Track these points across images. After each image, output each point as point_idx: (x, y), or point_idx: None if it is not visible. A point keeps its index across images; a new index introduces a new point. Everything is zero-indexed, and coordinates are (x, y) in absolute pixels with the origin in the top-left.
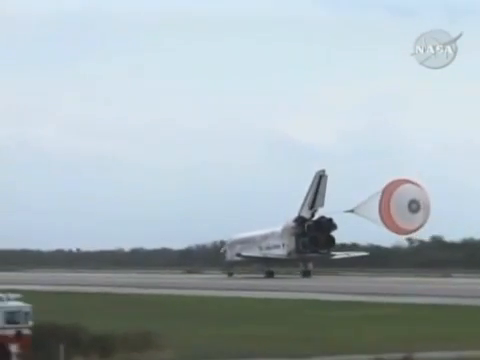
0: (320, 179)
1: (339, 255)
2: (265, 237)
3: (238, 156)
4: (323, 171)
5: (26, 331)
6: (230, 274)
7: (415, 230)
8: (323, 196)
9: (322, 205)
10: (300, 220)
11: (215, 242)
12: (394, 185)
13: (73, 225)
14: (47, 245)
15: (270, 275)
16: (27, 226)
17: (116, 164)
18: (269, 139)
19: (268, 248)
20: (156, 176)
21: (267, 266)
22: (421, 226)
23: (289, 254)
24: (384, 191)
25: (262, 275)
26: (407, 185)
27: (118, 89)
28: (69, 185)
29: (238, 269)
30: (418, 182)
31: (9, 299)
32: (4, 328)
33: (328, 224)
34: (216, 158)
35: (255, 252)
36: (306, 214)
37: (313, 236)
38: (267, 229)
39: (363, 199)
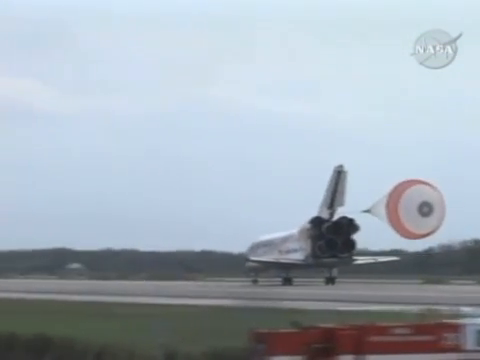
0: (339, 175)
1: (364, 260)
2: (284, 240)
3: None
4: (341, 166)
5: None
6: (254, 281)
7: (427, 235)
8: (343, 194)
9: (342, 204)
10: (317, 221)
11: None
12: (403, 186)
13: None
14: None
15: (288, 282)
16: None
17: None
18: None
19: (287, 252)
20: None
21: (285, 272)
22: (434, 231)
23: (306, 259)
24: (392, 193)
25: (279, 282)
26: (418, 186)
27: None
28: None
29: (263, 275)
30: (431, 182)
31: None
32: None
33: (348, 225)
34: None
35: (274, 256)
36: (324, 214)
37: (330, 239)
38: (286, 231)
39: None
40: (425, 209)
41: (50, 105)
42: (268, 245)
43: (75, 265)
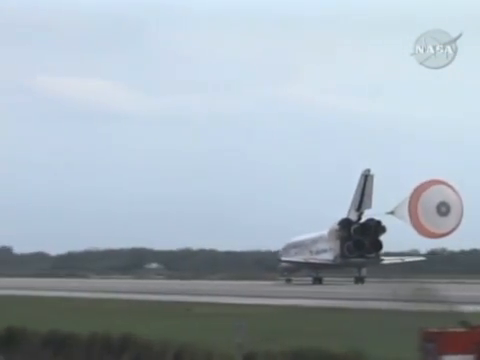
0: (366, 179)
1: (391, 260)
2: (315, 241)
3: None
4: (368, 170)
5: None
6: (288, 280)
7: (446, 234)
8: (370, 197)
9: (369, 207)
10: (345, 223)
11: None
12: (423, 186)
13: None
14: None
15: (318, 281)
16: None
17: None
18: None
19: (317, 252)
20: None
21: (315, 272)
22: (453, 230)
23: (335, 259)
24: (413, 193)
25: (310, 281)
26: (438, 186)
27: None
28: None
29: (297, 274)
30: (450, 183)
31: None
32: None
33: (375, 227)
34: None
35: (305, 256)
36: (353, 216)
37: (358, 240)
38: (317, 232)
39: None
40: (443, 209)
41: (126, 105)
42: (300, 246)
43: (153, 265)
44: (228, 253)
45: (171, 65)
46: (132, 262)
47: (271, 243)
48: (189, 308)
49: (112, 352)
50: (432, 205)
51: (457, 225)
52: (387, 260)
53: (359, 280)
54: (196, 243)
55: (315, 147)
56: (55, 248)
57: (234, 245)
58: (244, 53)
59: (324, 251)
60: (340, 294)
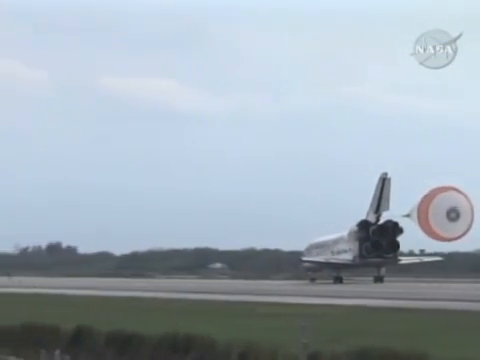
0: (383, 182)
1: (409, 260)
2: (336, 242)
3: None
4: (386, 174)
5: None
6: (312, 279)
7: (456, 239)
8: (387, 200)
9: (387, 209)
10: (364, 224)
11: None
12: (435, 192)
13: None
14: None
15: (338, 280)
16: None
17: None
18: None
19: (338, 253)
20: None
21: (336, 271)
22: (463, 235)
23: (354, 259)
24: (424, 198)
25: (331, 281)
26: (449, 192)
27: None
28: None
29: (322, 274)
30: (462, 190)
31: None
32: None
33: (393, 228)
34: None
35: (327, 256)
36: (371, 218)
37: (376, 241)
38: (338, 233)
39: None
40: (452, 214)
41: (192, 105)
42: (321, 246)
43: (217, 265)
44: (292, 253)
45: (236, 64)
46: (196, 262)
47: None
48: (253, 308)
49: (177, 352)
50: (442, 210)
51: (467, 230)
52: (405, 260)
53: (378, 279)
54: (260, 243)
55: (381, 145)
56: (119, 248)
57: (298, 245)
58: (309, 52)
59: (344, 251)
60: (403, 294)
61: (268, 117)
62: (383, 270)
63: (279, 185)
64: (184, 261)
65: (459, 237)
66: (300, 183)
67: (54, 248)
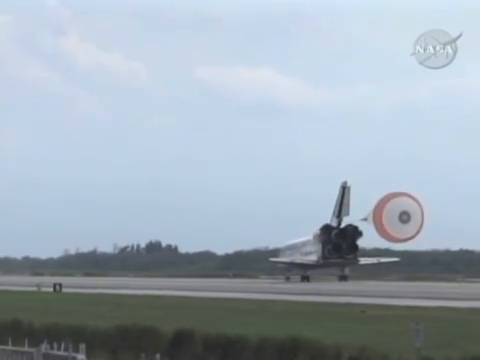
0: (344, 190)
1: (367, 261)
2: (304, 244)
3: None
4: (345, 182)
5: None
6: (287, 278)
7: (406, 240)
8: (347, 206)
9: (347, 214)
10: (326, 228)
11: None
12: (389, 196)
13: None
14: None
15: (306, 279)
16: None
17: None
18: None
19: (306, 254)
20: None
21: (303, 271)
22: (413, 237)
23: (318, 260)
24: (379, 202)
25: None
26: (402, 198)
27: None
28: None
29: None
30: (415, 196)
31: None
32: None
33: (353, 232)
34: None
35: (297, 257)
36: (334, 222)
37: (336, 243)
38: (306, 236)
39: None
40: (404, 217)
41: (295, 98)
42: (293, 248)
43: None
44: (404, 253)
45: (343, 57)
46: None
47: (451, 242)
48: (363, 310)
49: (283, 356)
50: (395, 213)
51: (417, 233)
52: (364, 261)
53: (342, 278)
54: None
55: None
56: (222, 247)
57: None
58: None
59: (310, 253)
60: None
61: (376, 110)
62: (347, 270)
63: (391, 180)
64: None
65: (411, 238)
66: (417, 181)
67: (154, 247)
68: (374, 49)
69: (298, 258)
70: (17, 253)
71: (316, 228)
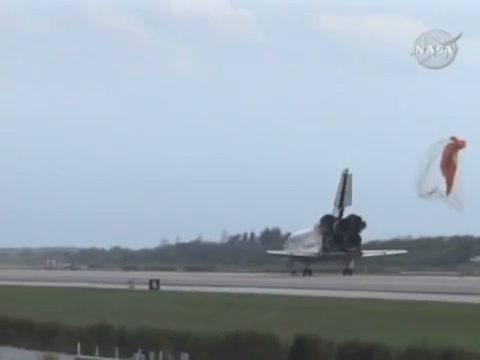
0: (345, 178)
1: (372, 253)
2: (306, 235)
3: None
4: (347, 170)
5: None
6: (293, 272)
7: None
8: (350, 195)
9: (350, 204)
10: (327, 219)
11: None
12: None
13: None
14: None
15: (308, 273)
16: None
17: None
18: None
19: (308, 246)
20: None
21: (305, 264)
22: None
23: (319, 252)
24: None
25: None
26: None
27: None
28: None
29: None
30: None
31: None
32: None
33: (355, 222)
34: None
35: (299, 250)
36: (335, 213)
37: (337, 235)
38: (308, 228)
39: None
40: None
41: None
42: (296, 240)
43: None
44: None
45: None
46: (455, 254)
47: None
48: None
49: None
50: None
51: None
52: (368, 253)
53: (347, 272)
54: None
55: None
56: None
57: None
58: None
59: (312, 245)
60: None
61: None
62: (352, 263)
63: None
64: (439, 253)
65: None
66: None
67: (271, 236)
68: None
69: (298, 251)
70: (105, 243)
71: (317, 219)
